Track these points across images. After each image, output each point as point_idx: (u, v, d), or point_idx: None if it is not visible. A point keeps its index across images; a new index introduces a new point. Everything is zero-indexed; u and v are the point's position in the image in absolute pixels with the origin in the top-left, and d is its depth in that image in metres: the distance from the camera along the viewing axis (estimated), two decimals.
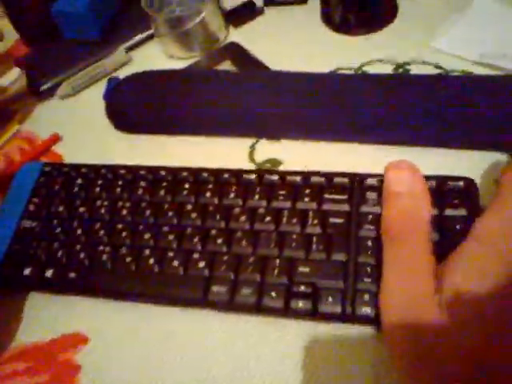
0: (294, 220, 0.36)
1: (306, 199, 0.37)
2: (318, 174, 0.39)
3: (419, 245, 0.25)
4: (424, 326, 0.24)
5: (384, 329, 0.28)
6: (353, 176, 0.38)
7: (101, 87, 0.57)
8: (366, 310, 0.32)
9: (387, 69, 0.48)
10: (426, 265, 0.26)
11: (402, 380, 0.25)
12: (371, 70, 0.49)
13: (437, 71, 0.47)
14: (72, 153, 0.52)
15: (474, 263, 0.24)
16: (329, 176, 0.38)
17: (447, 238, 0.33)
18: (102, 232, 0.40)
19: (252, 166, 0.45)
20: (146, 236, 0.39)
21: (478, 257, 0.24)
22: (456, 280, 0.24)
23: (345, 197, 0.37)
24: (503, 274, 0.22)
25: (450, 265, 0.25)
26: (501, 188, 0.25)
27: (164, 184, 0.41)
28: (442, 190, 0.35)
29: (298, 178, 0.39)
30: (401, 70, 0.48)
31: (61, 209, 0.43)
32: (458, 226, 0.33)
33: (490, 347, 0.22)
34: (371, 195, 0.36)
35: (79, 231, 0.41)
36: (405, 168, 0.28)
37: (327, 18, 0.54)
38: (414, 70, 0.47)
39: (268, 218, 0.37)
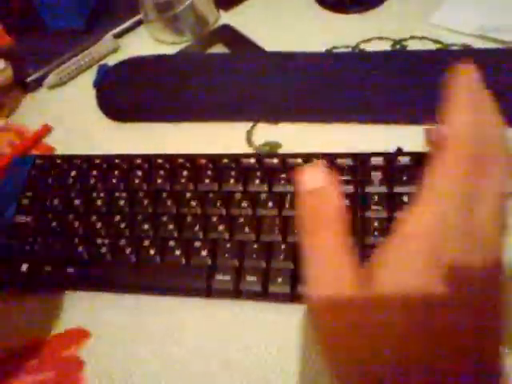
0: None
1: None
2: (319, 155, 0.38)
3: (330, 241, 0.24)
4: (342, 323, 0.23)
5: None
6: (356, 156, 0.37)
7: (89, 76, 0.55)
8: None
9: (385, 46, 0.47)
10: (339, 261, 0.24)
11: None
12: (368, 47, 0.47)
13: (436, 46, 0.46)
14: (64, 144, 0.50)
15: (403, 260, 0.23)
16: (331, 157, 0.37)
17: None
18: (99, 224, 0.39)
19: (250, 150, 0.44)
20: (145, 226, 0.38)
21: (407, 253, 0.23)
22: (382, 278, 0.23)
23: (348, 178, 0.36)
24: (431, 274, 0.21)
25: (378, 260, 0.24)
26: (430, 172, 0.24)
27: (161, 172, 0.40)
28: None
29: (298, 161, 0.38)
30: (398, 47, 0.47)
31: (55, 202, 0.41)
32: None
33: (411, 346, 0.21)
34: (376, 175, 0.35)
35: (76, 224, 0.40)
36: (313, 169, 0.27)
37: None
38: (412, 46, 0.46)
39: (270, 203, 0.36)
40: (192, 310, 0.36)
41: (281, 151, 0.43)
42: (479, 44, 0.44)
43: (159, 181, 0.40)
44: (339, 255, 0.24)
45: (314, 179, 0.26)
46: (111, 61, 0.55)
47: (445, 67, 0.41)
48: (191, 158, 0.40)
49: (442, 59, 0.43)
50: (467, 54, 0.43)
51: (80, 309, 0.38)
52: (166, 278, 0.36)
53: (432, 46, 0.46)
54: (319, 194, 0.26)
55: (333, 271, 0.24)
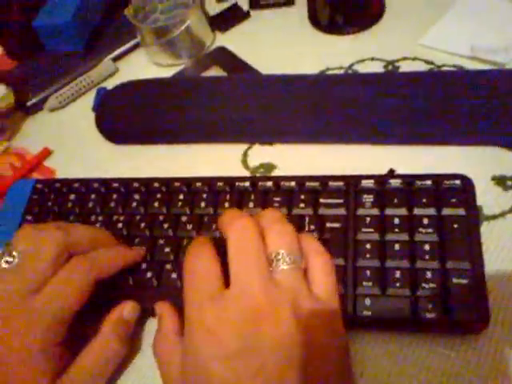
0: None
1: (302, 205, 0.37)
2: (312, 178, 0.38)
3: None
4: None
5: None
6: (348, 179, 0.37)
7: (89, 99, 0.56)
8: (367, 314, 0.32)
9: (377, 66, 0.48)
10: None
11: None
12: (361, 68, 0.48)
13: (427, 67, 0.46)
14: (64, 166, 0.51)
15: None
16: (323, 180, 0.38)
17: (446, 237, 0.33)
18: None
19: (246, 172, 0.44)
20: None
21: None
22: None
23: (341, 201, 0.36)
24: None
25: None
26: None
27: (158, 196, 0.41)
28: (439, 188, 0.35)
29: (292, 184, 0.38)
30: (391, 68, 0.48)
31: None
32: (456, 226, 0.33)
33: None
34: (367, 198, 0.36)
35: None
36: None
37: (315, 19, 0.54)
38: (405, 67, 0.47)
39: None
40: None
41: (275, 173, 0.43)
42: (471, 65, 0.45)
43: (155, 204, 0.40)
44: None
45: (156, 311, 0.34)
46: (110, 83, 0.56)
47: (436, 88, 0.42)
48: (187, 182, 0.41)
49: (435, 80, 0.43)
50: (459, 74, 0.44)
51: None
52: (162, 300, 0.36)
53: (424, 67, 0.46)
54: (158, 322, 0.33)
55: None
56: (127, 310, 0.35)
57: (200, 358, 0.26)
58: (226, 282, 0.28)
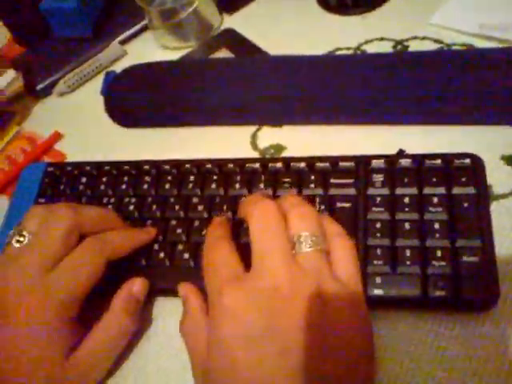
0: None
1: (312, 185, 0.37)
2: (322, 159, 0.38)
3: None
4: None
5: None
6: (357, 159, 0.37)
7: (97, 82, 0.56)
8: (379, 292, 0.32)
9: (386, 46, 0.48)
10: None
11: None
12: (370, 48, 0.48)
13: (437, 46, 0.46)
14: (74, 150, 0.51)
15: None
16: (333, 160, 0.38)
17: (456, 216, 0.33)
18: None
19: (255, 154, 0.44)
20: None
21: None
22: None
23: (351, 181, 0.36)
24: None
25: None
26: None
27: (169, 178, 0.41)
28: (449, 167, 0.35)
29: (302, 165, 0.39)
30: (400, 47, 0.47)
31: None
32: (466, 204, 0.33)
33: None
34: (377, 177, 0.36)
35: None
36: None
37: (323, 0, 0.54)
38: (414, 46, 0.47)
39: None
40: None
41: (285, 154, 0.44)
42: (480, 43, 0.45)
43: (166, 186, 0.41)
44: None
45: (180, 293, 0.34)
46: (118, 67, 0.56)
47: (447, 67, 0.41)
48: (197, 164, 0.41)
49: (444, 59, 0.43)
50: (469, 53, 0.44)
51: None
52: (175, 280, 0.37)
53: (433, 46, 0.46)
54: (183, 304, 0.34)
55: None
56: (136, 286, 0.36)
57: (223, 339, 0.26)
58: (246, 267, 0.28)
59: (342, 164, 0.37)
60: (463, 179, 0.34)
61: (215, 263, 0.29)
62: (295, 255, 0.27)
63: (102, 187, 0.43)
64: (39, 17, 0.58)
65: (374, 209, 0.35)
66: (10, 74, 0.54)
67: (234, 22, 0.57)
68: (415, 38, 0.47)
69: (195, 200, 0.39)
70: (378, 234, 0.34)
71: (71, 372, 0.31)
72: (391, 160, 0.36)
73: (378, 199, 0.35)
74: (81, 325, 0.33)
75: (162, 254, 0.38)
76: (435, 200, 0.34)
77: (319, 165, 0.38)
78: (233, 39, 0.54)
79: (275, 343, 0.24)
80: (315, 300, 0.25)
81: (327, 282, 0.26)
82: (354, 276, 0.28)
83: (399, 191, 0.35)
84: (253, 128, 0.46)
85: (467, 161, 0.35)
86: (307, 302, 0.25)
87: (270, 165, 0.39)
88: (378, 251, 0.33)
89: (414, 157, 0.36)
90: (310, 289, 0.26)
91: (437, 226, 0.33)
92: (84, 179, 0.44)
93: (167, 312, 0.37)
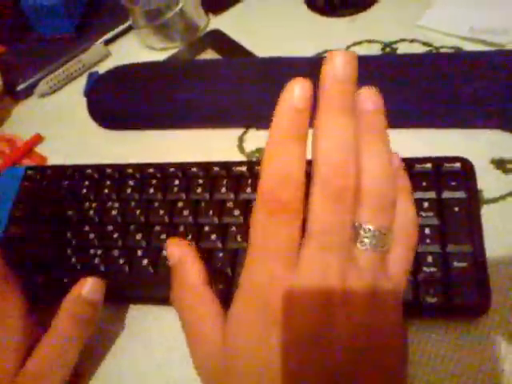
0: None
1: None
2: (309, 162, 0.37)
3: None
4: None
5: None
6: None
7: (80, 84, 0.55)
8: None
9: (375, 49, 0.47)
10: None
11: None
12: (359, 51, 0.47)
13: (425, 49, 0.46)
14: (56, 153, 0.50)
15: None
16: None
17: (447, 220, 0.32)
18: (92, 235, 0.39)
19: (242, 157, 0.44)
20: (138, 236, 0.38)
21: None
22: None
23: None
24: None
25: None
26: None
27: (153, 182, 0.40)
28: (439, 172, 0.34)
29: None
30: (388, 50, 0.47)
31: (48, 213, 0.41)
32: (456, 209, 0.33)
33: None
34: None
35: (68, 235, 0.40)
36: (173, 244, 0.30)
37: (311, 1, 0.53)
38: (402, 48, 0.46)
39: None
40: None
41: None
42: (469, 46, 0.45)
43: (151, 190, 0.40)
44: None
45: (172, 255, 0.28)
46: (102, 68, 0.55)
47: (435, 70, 0.41)
48: (182, 167, 0.40)
49: (433, 62, 0.42)
50: (457, 56, 0.43)
51: None
52: (158, 287, 0.36)
53: (422, 49, 0.46)
54: (176, 270, 0.28)
55: None
56: (86, 287, 0.32)
57: (256, 338, 0.23)
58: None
59: None
60: (453, 183, 0.33)
61: (273, 236, 0.24)
62: (354, 248, 0.23)
63: (84, 191, 0.41)
64: (20, 14, 0.56)
65: None
66: None
67: (221, 22, 0.56)
68: (404, 40, 0.47)
69: (180, 204, 0.38)
70: None
71: (21, 380, 0.29)
72: None
73: None
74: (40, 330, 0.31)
75: (145, 261, 0.37)
76: (425, 204, 0.33)
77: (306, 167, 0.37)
78: (219, 40, 0.53)
79: (320, 353, 0.22)
80: (366, 309, 0.23)
81: (380, 288, 0.23)
82: (403, 280, 0.25)
83: None
84: (239, 131, 0.45)
85: (457, 165, 0.34)
86: (358, 311, 0.23)
87: (256, 168, 0.38)
88: None
89: (403, 160, 0.36)
90: (363, 296, 0.23)
91: (427, 231, 0.32)
92: (65, 183, 0.43)
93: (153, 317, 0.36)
